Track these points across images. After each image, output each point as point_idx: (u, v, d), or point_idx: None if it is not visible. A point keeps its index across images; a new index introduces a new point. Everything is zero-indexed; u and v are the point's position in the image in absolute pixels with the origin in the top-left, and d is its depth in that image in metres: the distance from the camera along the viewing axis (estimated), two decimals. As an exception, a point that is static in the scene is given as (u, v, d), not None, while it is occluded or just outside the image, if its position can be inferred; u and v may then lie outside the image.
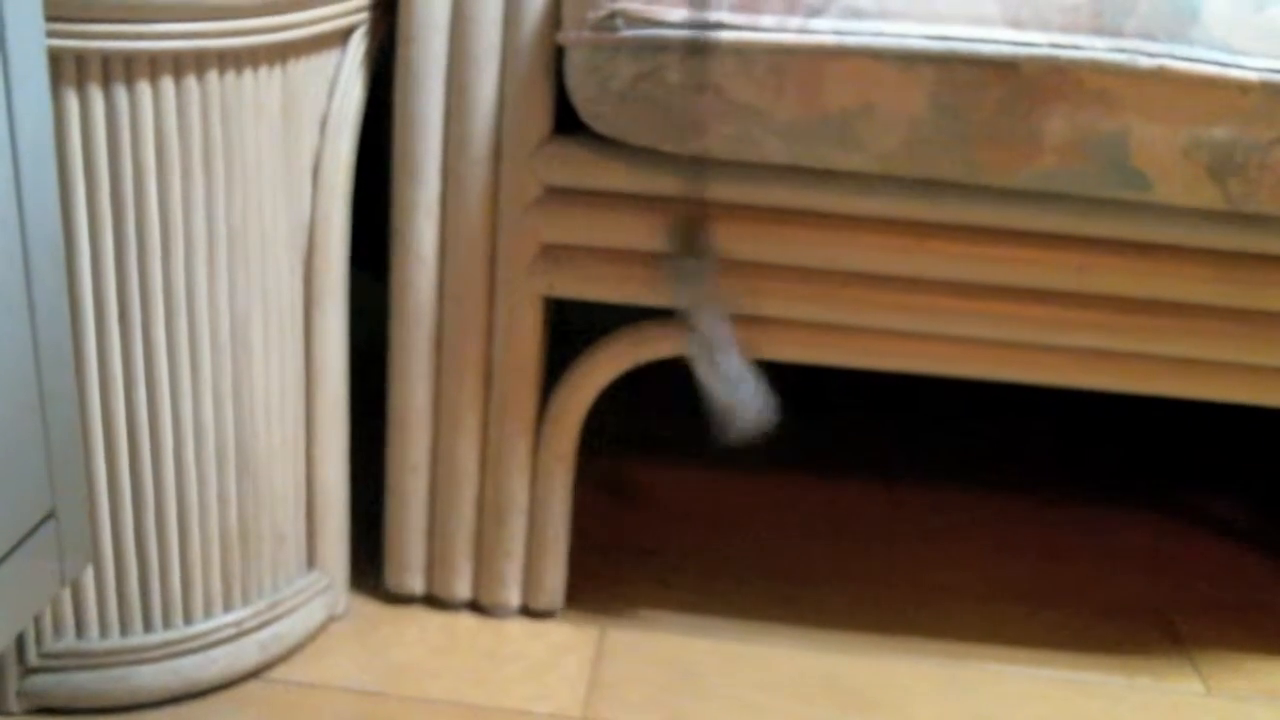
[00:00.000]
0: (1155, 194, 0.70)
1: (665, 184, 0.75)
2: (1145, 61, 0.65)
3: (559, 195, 0.76)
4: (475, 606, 0.87)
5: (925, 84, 0.67)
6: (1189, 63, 0.65)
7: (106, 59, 0.63)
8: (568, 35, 0.71)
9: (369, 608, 0.86)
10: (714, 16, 0.67)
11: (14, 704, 0.73)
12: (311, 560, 0.82)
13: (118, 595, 0.73)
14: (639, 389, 1.18)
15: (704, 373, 0.74)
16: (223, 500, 0.74)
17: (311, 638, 0.82)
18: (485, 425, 0.81)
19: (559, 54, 0.73)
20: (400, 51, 0.74)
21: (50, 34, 0.61)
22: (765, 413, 0.74)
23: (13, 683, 0.73)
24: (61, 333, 0.60)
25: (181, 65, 0.64)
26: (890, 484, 1.07)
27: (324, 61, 0.72)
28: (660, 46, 0.68)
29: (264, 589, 0.78)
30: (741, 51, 0.67)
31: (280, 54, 0.69)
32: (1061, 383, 0.78)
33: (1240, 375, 0.77)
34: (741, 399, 0.73)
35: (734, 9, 0.67)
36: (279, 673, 0.79)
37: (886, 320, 0.77)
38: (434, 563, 0.85)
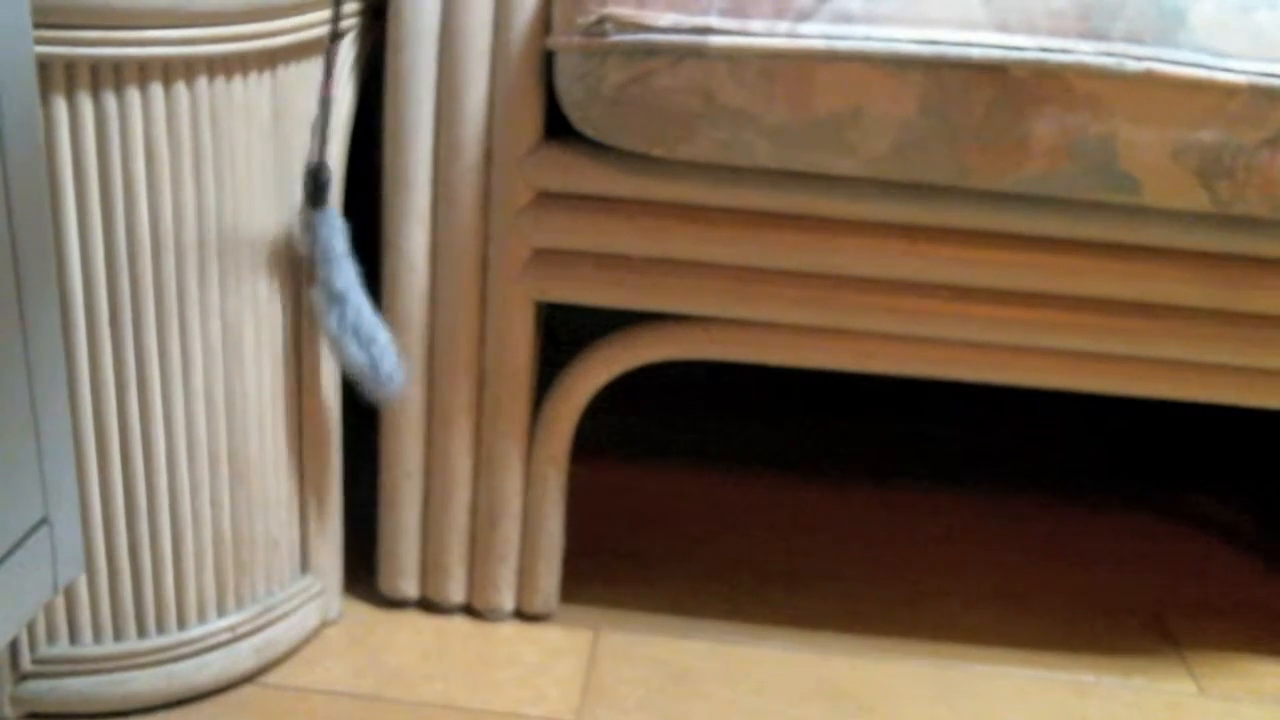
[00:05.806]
0: (1144, 197, 0.70)
1: (656, 188, 0.75)
2: (1133, 65, 0.66)
3: (550, 200, 0.76)
4: (469, 610, 0.87)
5: (914, 88, 0.67)
6: (1176, 66, 0.66)
7: (95, 66, 0.63)
8: (557, 40, 0.71)
9: (363, 612, 0.86)
10: (702, 21, 0.67)
11: (8, 709, 0.74)
12: (305, 565, 0.82)
13: (111, 600, 0.73)
14: (631, 391, 1.18)
15: (333, 328, 0.71)
16: (215, 505, 0.74)
17: (305, 642, 0.82)
18: (478, 429, 0.82)
19: (549, 59, 0.73)
20: (390, 58, 0.75)
21: (39, 41, 0.61)
22: (398, 370, 0.72)
23: (6, 688, 0.73)
24: (53, 339, 0.61)
25: (171, 72, 0.64)
26: (883, 486, 1.07)
27: (313, 68, 0.72)
28: (649, 51, 0.68)
29: (258, 594, 0.78)
30: (731, 56, 0.68)
31: (269, 60, 0.69)
32: (1052, 385, 0.79)
33: (1230, 376, 0.77)
34: (374, 356, 0.72)
35: (723, 14, 0.67)
36: (273, 677, 0.80)
37: (878, 323, 0.77)
38: (428, 567, 0.85)
